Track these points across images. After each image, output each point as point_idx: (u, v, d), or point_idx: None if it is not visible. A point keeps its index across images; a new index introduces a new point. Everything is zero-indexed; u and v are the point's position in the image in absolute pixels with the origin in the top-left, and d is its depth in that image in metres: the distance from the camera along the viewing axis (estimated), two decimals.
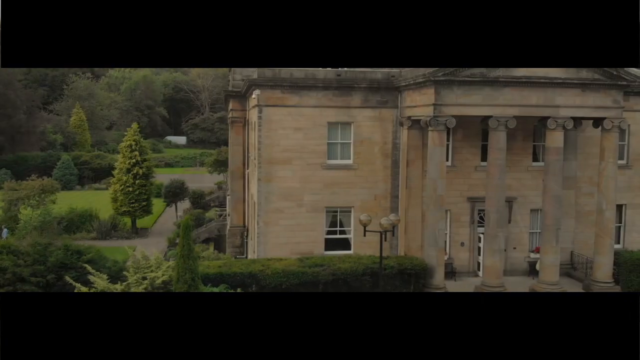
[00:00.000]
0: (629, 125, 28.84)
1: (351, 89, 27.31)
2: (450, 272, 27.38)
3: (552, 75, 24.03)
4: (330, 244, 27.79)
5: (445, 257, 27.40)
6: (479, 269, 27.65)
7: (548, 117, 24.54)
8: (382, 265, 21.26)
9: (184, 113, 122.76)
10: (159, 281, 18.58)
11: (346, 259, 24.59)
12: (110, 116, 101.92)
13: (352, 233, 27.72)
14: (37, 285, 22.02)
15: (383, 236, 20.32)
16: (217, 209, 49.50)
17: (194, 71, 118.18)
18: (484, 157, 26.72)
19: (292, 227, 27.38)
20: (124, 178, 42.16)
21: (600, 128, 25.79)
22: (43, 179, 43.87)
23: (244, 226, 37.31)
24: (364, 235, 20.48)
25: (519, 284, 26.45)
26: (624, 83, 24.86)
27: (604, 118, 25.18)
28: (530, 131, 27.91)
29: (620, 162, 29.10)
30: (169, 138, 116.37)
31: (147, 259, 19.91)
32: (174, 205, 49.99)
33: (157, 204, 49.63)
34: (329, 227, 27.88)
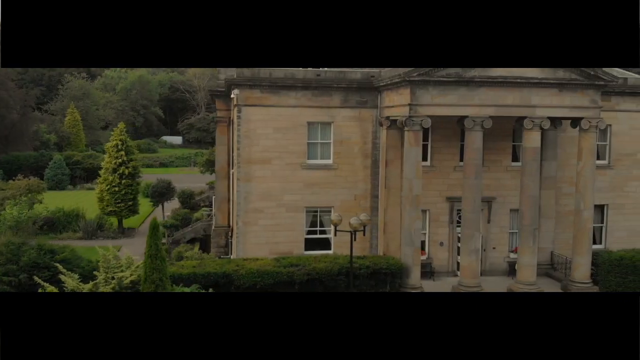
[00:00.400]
0: (610, 125, 28.77)
1: (331, 89, 27.29)
2: (429, 272, 27.36)
3: (529, 75, 23.98)
4: (310, 244, 27.74)
5: (425, 257, 27.44)
6: (458, 269, 27.57)
7: (525, 117, 24.49)
8: (352, 264, 21.28)
9: (180, 113, 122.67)
10: (127, 281, 18.50)
11: (322, 258, 24.54)
12: (106, 116, 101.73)
13: (332, 233, 27.70)
14: (9, 285, 22.01)
15: (353, 236, 20.31)
16: (205, 208, 49.28)
17: (191, 71, 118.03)
18: (462, 157, 26.67)
19: (272, 227, 27.35)
20: (110, 178, 42.01)
21: (578, 128, 25.75)
22: (29, 179, 43.73)
23: (229, 226, 37.19)
24: (334, 234, 20.48)
25: (498, 284, 26.40)
26: (602, 83, 24.78)
27: (582, 118, 25.11)
28: (510, 131, 27.84)
29: (602, 162, 29.12)
30: (165, 138, 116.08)
31: (118, 258, 19.84)
32: (161, 206, 49.75)
33: (145, 204, 49.47)
34: (310, 227, 27.84)
